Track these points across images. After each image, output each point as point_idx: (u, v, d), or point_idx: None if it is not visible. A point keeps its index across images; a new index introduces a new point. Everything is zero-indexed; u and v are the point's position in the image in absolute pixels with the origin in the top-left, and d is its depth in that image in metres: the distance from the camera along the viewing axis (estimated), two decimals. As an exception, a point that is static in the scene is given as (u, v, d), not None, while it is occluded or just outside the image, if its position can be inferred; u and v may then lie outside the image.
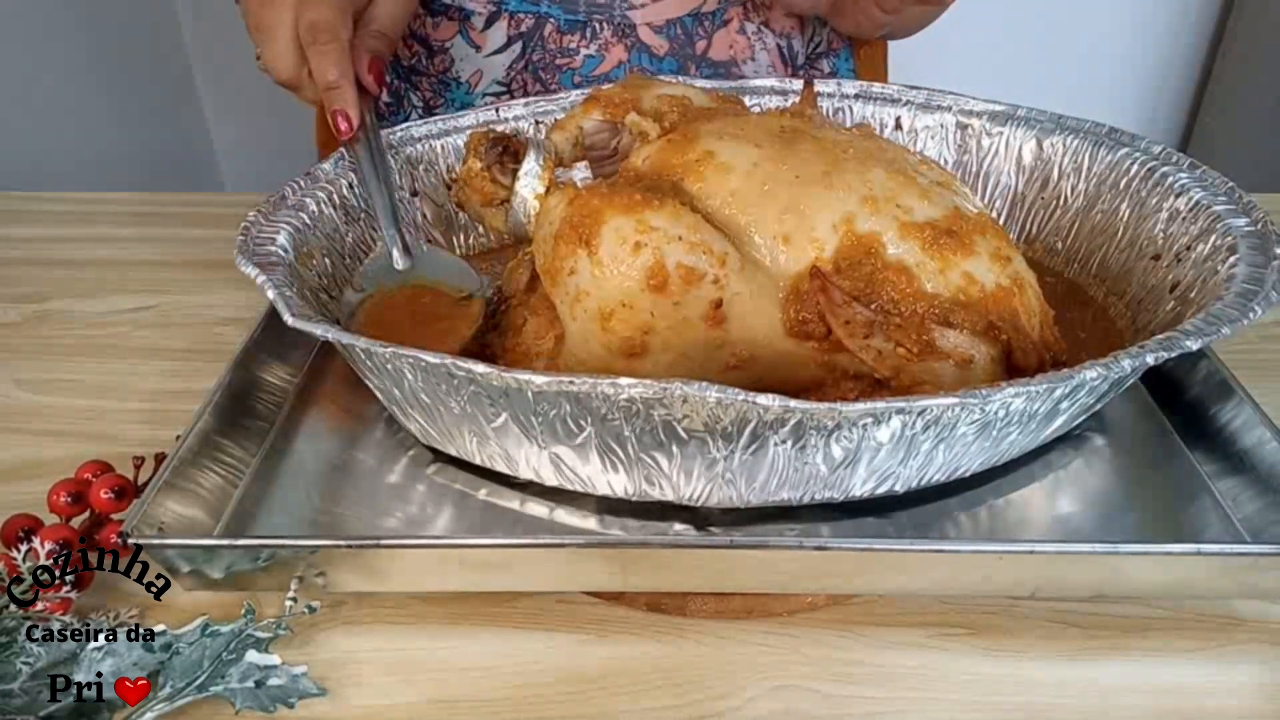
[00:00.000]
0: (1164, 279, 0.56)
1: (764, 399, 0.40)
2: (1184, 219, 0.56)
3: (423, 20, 0.85)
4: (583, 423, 0.44)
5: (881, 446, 0.44)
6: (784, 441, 0.43)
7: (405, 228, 0.59)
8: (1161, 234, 0.58)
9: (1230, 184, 0.56)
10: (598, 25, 0.82)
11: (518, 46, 0.83)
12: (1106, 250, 0.62)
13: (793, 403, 0.40)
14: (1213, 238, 0.54)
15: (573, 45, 0.83)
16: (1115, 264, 0.61)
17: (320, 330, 0.45)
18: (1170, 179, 0.58)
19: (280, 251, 0.53)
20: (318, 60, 0.57)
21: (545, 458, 0.47)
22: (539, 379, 0.41)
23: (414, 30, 0.85)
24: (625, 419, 0.43)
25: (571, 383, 0.41)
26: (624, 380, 0.40)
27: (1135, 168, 0.61)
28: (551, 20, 0.82)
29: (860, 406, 0.40)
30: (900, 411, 0.41)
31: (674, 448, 0.44)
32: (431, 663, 0.47)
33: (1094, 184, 0.63)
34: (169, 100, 1.79)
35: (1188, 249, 0.55)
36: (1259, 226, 0.53)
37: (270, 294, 0.47)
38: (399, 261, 0.58)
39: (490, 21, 0.83)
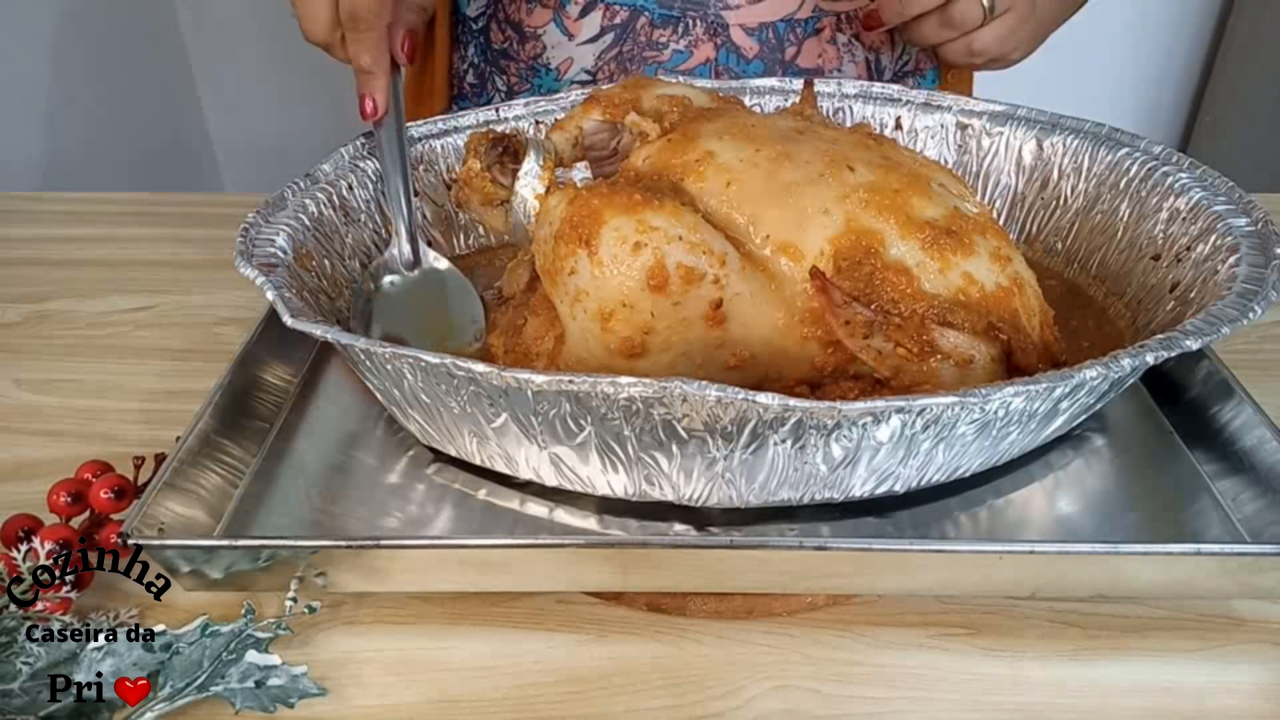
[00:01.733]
0: (1164, 279, 0.56)
1: (763, 398, 0.40)
2: (1184, 219, 0.56)
3: (518, 5, 0.85)
4: (582, 422, 0.44)
5: (881, 446, 0.44)
6: (784, 441, 0.43)
7: (417, 229, 0.61)
8: (1161, 234, 0.57)
9: (1230, 184, 0.56)
10: (691, 21, 0.82)
11: (609, 37, 0.83)
12: (1106, 250, 0.61)
13: (792, 401, 0.40)
14: (1213, 238, 0.54)
15: (663, 39, 0.83)
16: (1115, 264, 0.61)
17: (320, 330, 0.45)
18: (1170, 179, 0.58)
19: (280, 253, 0.53)
20: (354, 46, 0.58)
21: (545, 458, 0.47)
22: (539, 378, 0.41)
23: (508, 15, 0.86)
24: (625, 418, 0.43)
25: (571, 382, 0.41)
26: (624, 379, 0.40)
27: (1135, 168, 0.61)
28: (646, 13, 0.82)
29: (860, 406, 0.40)
30: (900, 411, 0.41)
31: (674, 447, 0.44)
32: (431, 663, 0.47)
33: (1094, 184, 0.63)
34: (169, 100, 1.79)
35: (1188, 249, 0.55)
36: (1259, 226, 0.53)
37: (270, 295, 0.47)
38: (402, 263, 0.59)
39: (586, 10, 0.83)
